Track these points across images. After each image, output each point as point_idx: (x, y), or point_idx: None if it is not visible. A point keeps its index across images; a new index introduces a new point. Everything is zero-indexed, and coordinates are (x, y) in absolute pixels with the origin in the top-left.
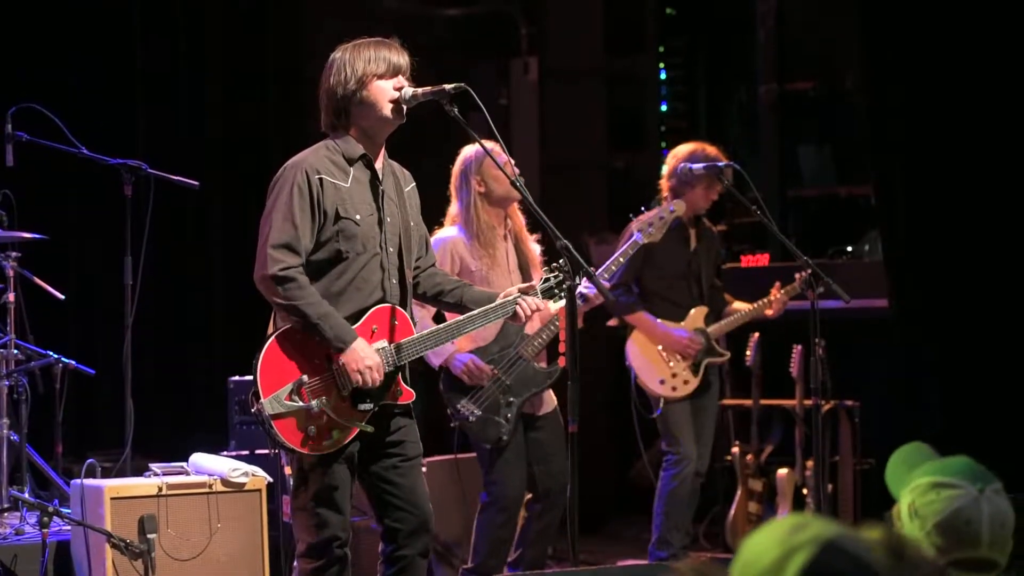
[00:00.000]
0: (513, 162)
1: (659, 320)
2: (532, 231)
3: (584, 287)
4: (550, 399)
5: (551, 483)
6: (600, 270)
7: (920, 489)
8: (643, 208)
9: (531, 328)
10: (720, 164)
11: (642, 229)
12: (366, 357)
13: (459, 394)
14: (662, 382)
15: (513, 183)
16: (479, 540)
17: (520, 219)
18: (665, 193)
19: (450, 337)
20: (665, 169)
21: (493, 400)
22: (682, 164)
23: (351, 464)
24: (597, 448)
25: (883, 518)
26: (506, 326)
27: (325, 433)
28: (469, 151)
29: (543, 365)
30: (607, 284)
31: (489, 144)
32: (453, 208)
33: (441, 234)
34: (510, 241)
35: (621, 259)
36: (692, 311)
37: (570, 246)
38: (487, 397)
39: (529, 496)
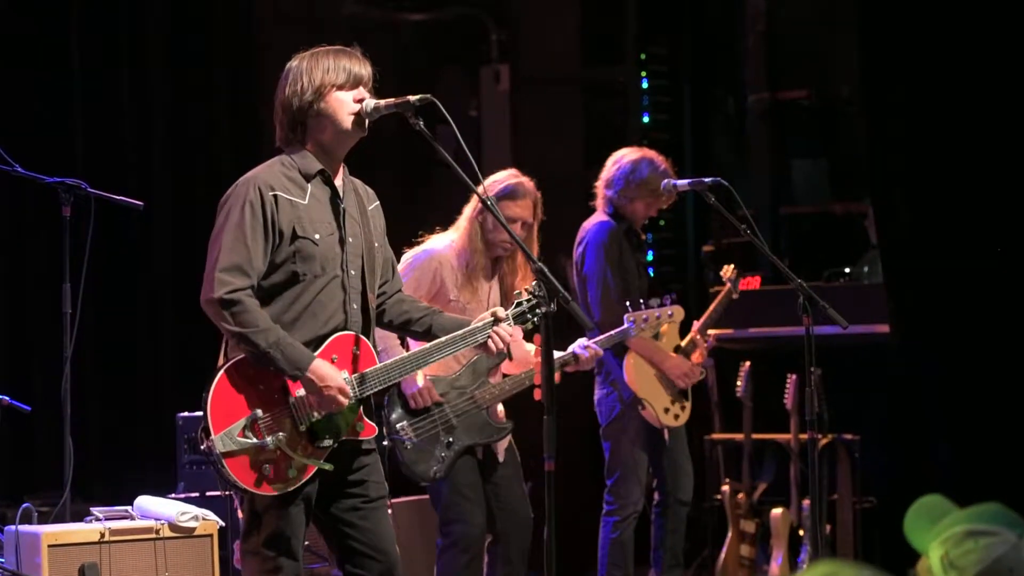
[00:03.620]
0: (538, 205)
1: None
2: None
3: (577, 347)
4: (506, 439)
5: (509, 520)
6: (590, 343)
7: (954, 539)
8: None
9: (495, 376)
10: (706, 180)
11: (636, 322)
12: (327, 380)
13: (401, 417)
14: (666, 411)
15: (484, 202)
16: None
17: (519, 260)
18: (600, 202)
19: (416, 367)
20: (605, 174)
21: (433, 434)
22: (665, 181)
23: (308, 506)
24: (574, 486)
25: (907, 575)
26: (478, 362)
27: (281, 472)
28: (501, 179)
29: (501, 419)
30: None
31: (511, 182)
32: (464, 213)
33: (432, 244)
34: (496, 279)
35: (605, 341)
36: (663, 327)
37: (545, 270)
38: (428, 429)
39: (489, 539)
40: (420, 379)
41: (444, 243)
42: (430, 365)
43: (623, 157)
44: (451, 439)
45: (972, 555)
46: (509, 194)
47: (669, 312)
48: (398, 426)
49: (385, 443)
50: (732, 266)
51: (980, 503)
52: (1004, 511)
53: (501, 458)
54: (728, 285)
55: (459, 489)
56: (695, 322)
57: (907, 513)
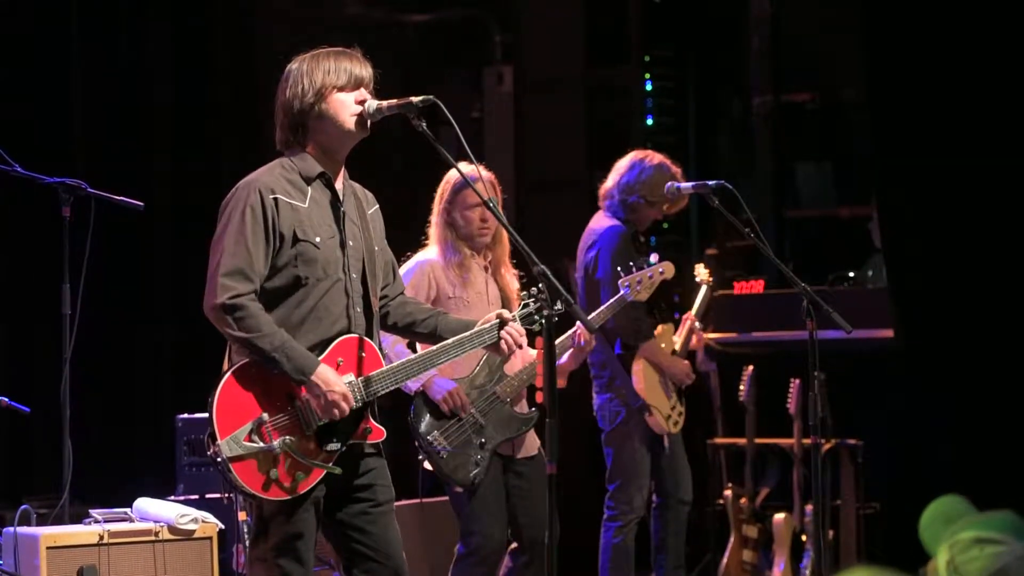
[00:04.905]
0: (496, 186)
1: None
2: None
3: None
4: (532, 440)
5: (538, 532)
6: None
7: (961, 545)
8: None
9: (511, 368)
10: (710, 183)
11: (631, 286)
12: (331, 386)
13: (430, 426)
14: (667, 417)
15: (486, 203)
16: None
17: (504, 248)
18: (610, 204)
19: (422, 369)
20: (621, 178)
21: (465, 439)
22: (669, 184)
23: (316, 510)
24: (578, 491)
25: (917, 574)
26: (490, 359)
27: (288, 476)
28: (452, 175)
29: (524, 410)
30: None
31: (470, 170)
32: (432, 222)
33: (420, 255)
34: (490, 271)
35: (606, 312)
36: (658, 329)
37: (548, 272)
38: (459, 434)
39: (514, 546)
40: (445, 383)
41: (430, 252)
42: (443, 366)
43: (645, 159)
44: (483, 439)
45: (977, 563)
46: (463, 184)
47: (660, 269)
48: (429, 437)
49: (420, 457)
50: (703, 265)
51: (992, 510)
52: (1015, 519)
53: (523, 453)
54: (704, 281)
55: (480, 499)
56: (686, 316)
57: (923, 514)
